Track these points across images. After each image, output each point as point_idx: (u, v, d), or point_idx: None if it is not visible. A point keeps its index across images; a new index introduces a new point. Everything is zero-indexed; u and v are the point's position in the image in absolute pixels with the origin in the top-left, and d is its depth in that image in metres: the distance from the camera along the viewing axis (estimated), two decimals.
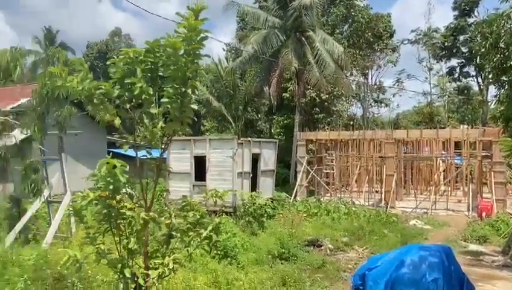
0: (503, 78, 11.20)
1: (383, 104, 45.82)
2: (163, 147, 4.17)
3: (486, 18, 17.17)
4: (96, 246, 3.93)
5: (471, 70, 42.17)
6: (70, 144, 13.07)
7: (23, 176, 5.88)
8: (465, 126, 26.74)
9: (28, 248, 10.18)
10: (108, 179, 3.60)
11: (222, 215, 12.66)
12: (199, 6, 3.88)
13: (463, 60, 42.03)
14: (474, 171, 21.27)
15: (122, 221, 3.91)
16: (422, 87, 62.85)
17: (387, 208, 18.87)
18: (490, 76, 12.89)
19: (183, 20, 3.85)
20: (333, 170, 23.78)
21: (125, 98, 3.84)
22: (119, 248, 4.03)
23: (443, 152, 24.81)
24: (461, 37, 40.40)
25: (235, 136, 19.45)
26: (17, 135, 6.35)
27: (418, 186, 25.47)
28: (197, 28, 3.82)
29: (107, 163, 3.55)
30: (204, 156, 17.37)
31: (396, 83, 47.73)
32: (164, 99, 3.91)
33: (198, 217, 4.24)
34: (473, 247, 12.62)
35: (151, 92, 3.84)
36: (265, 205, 14.99)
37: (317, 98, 28.34)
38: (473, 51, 19.29)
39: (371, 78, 42.78)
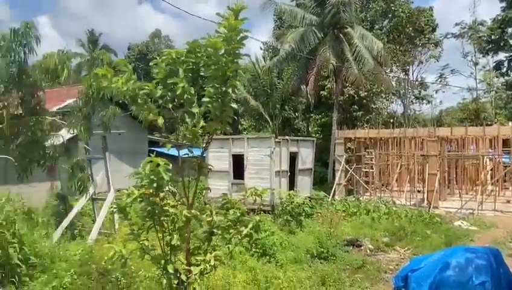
0: None
1: (424, 101, 44.27)
2: (204, 146, 4.24)
3: None
4: (141, 242, 4.05)
5: None
6: (113, 143, 13.56)
7: (70, 174, 6.12)
8: None
9: (74, 243, 10.63)
10: (152, 177, 3.70)
11: (260, 213, 12.74)
12: (239, 6, 3.91)
13: (511, 54, 39.97)
14: None
15: (165, 218, 4.01)
16: (467, 83, 60.54)
17: (430, 208, 18.29)
18: None
19: (224, 20, 3.89)
20: (373, 168, 23.30)
21: (167, 98, 3.93)
22: (162, 244, 4.13)
23: (490, 150, 23.72)
24: (509, 30, 38.39)
25: (273, 135, 19.48)
26: (64, 134, 6.62)
27: (463, 186, 24.47)
28: (237, 27, 3.85)
29: (151, 161, 3.65)
30: (243, 155, 17.51)
31: (439, 79, 46.08)
32: (205, 99, 3.98)
33: (239, 214, 4.28)
34: None
35: (193, 92, 3.91)
36: (303, 203, 14.91)
37: (355, 96, 27.89)
38: None
39: (412, 74, 41.51)
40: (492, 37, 39.36)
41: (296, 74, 28.35)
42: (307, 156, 19.41)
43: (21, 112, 5.99)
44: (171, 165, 3.84)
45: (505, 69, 41.96)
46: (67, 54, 5.90)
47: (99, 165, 12.86)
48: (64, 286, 7.89)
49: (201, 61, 3.94)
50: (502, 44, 39.82)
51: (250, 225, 4.23)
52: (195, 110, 3.98)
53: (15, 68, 5.59)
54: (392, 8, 32.38)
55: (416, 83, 42.10)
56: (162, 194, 3.93)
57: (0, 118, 5.58)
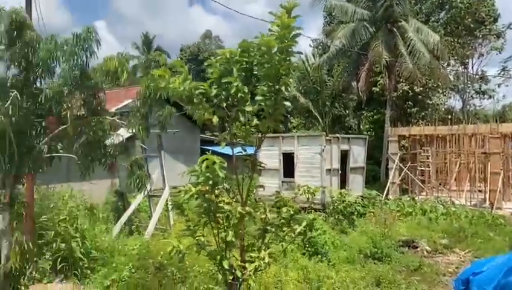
0: None
1: (486, 96, 41.78)
2: (257, 144, 4.28)
3: None
4: (197, 238, 4.16)
5: None
6: (167, 142, 14.03)
7: (129, 172, 6.39)
8: None
9: (132, 238, 11.12)
10: (208, 174, 3.78)
11: (311, 212, 12.66)
12: (291, 4, 3.91)
13: None
14: None
15: (220, 215, 4.09)
16: None
17: (492, 208, 17.27)
18: None
19: (276, 19, 3.90)
20: (429, 167, 22.39)
21: (222, 97, 4.00)
22: (217, 241, 4.22)
23: None
24: None
25: (323, 133, 19.26)
26: (123, 133, 6.93)
27: None
28: (290, 25, 3.85)
29: (207, 159, 3.73)
30: (293, 153, 17.48)
31: (502, 72, 43.19)
32: (258, 97, 4.01)
33: (292, 212, 4.28)
34: None
35: (246, 91, 3.95)
36: (355, 202, 14.67)
37: (410, 92, 26.93)
38: None
39: (472, 68, 39.29)
40: None
41: (347, 70, 27.87)
42: (358, 154, 19.02)
43: (83, 112, 6.30)
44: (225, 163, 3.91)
45: None
46: (126, 56, 6.16)
47: (154, 163, 13.36)
48: (123, 279, 8.28)
49: (254, 60, 3.98)
50: None
51: (304, 223, 4.22)
52: (249, 108, 4.02)
53: (77, 71, 5.88)
54: None
55: (476, 76, 39.79)
56: (217, 191, 4.02)
57: (64, 119, 5.90)
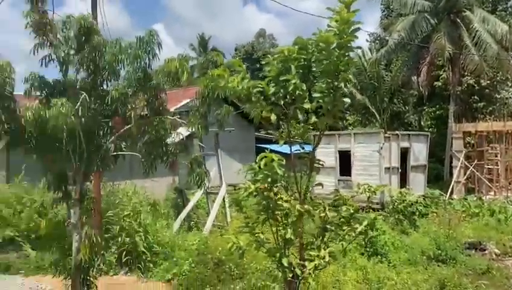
0: None
1: None
2: (315, 141, 4.24)
3: None
4: (256, 235, 4.19)
5: None
6: (223, 141, 14.30)
7: (189, 170, 6.58)
8: None
9: (191, 234, 11.46)
10: (267, 172, 3.80)
11: (369, 211, 12.33)
12: None
13: None
14: None
15: (278, 212, 4.09)
16: None
17: None
18: None
19: (335, 14, 3.84)
20: (497, 165, 21.01)
21: (280, 94, 4.00)
22: (275, 238, 4.23)
23: None
24: None
25: (381, 130, 18.70)
26: (183, 132, 7.14)
27: None
28: (349, 20, 3.77)
29: (265, 157, 3.75)
30: (349, 151, 17.14)
31: None
32: (316, 94, 3.97)
33: (352, 211, 4.20)
34: None
35: (304, 88, 3.92)
36: (417, 202, 14.10)
37: (475, 85, 25.43)
38: None
39: None
40: None
41: (406, 64, 26.87)
42: (419, 152, 18.27)
43: (146, 112, 6.56)
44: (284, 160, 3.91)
45: None
46: (186, 57, 6.33)
47: (210, 161, 13.67)
48: (184, 274, 8.56)
49: (312, 56, 3.94)
50: None
51: (365, 222, 4.12)
52: (307, 105, 3.99)
53: (141, 73, 6.13)
54: None
55: None
56: (275, 189, 4.02)
57: (128, 119, 6.17)
